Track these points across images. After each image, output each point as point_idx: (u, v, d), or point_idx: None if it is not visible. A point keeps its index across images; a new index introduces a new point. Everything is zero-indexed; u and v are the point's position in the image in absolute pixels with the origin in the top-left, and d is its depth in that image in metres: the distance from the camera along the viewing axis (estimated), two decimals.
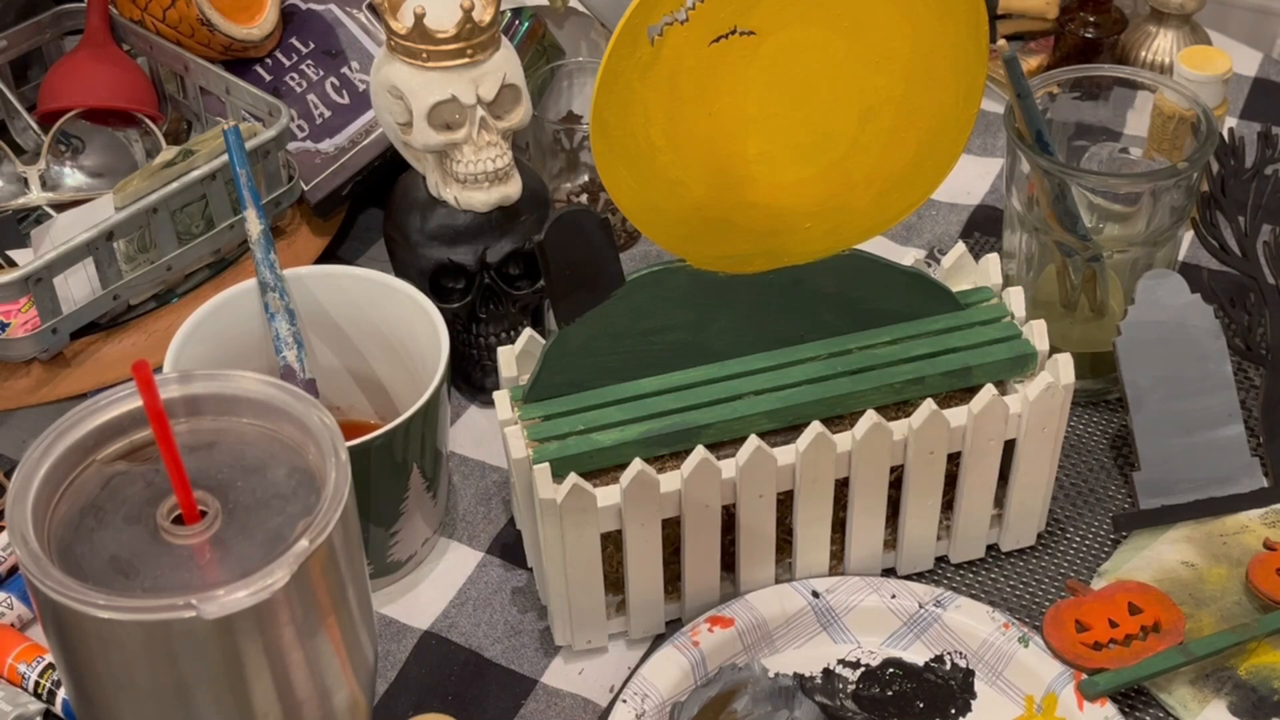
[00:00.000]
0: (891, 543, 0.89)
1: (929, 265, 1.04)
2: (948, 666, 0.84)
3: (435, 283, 0.95)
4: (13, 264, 1.03)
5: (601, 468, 0.81)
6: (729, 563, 0.86)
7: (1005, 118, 0.93)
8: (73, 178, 1.10)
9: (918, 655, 0.84)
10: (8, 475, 0.93)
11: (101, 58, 1.09)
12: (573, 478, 0.77)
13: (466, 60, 0.89)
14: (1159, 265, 0.95)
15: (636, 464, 0.78)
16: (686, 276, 0.82)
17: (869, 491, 0.84)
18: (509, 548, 0.92)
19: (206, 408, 0.64)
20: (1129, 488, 0.94)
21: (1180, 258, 1.03)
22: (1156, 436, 0.92)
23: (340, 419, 0.86)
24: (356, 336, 0.92)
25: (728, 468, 0.80)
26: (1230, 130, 1.00)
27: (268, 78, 1.10)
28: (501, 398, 0.83)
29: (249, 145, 0.97)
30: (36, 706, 0.82)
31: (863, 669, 0.84)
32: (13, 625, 0.87)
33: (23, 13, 1.15)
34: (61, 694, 0.82)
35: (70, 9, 1.15)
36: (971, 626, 0.84)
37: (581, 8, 1.16)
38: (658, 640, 0.86)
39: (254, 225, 0.89)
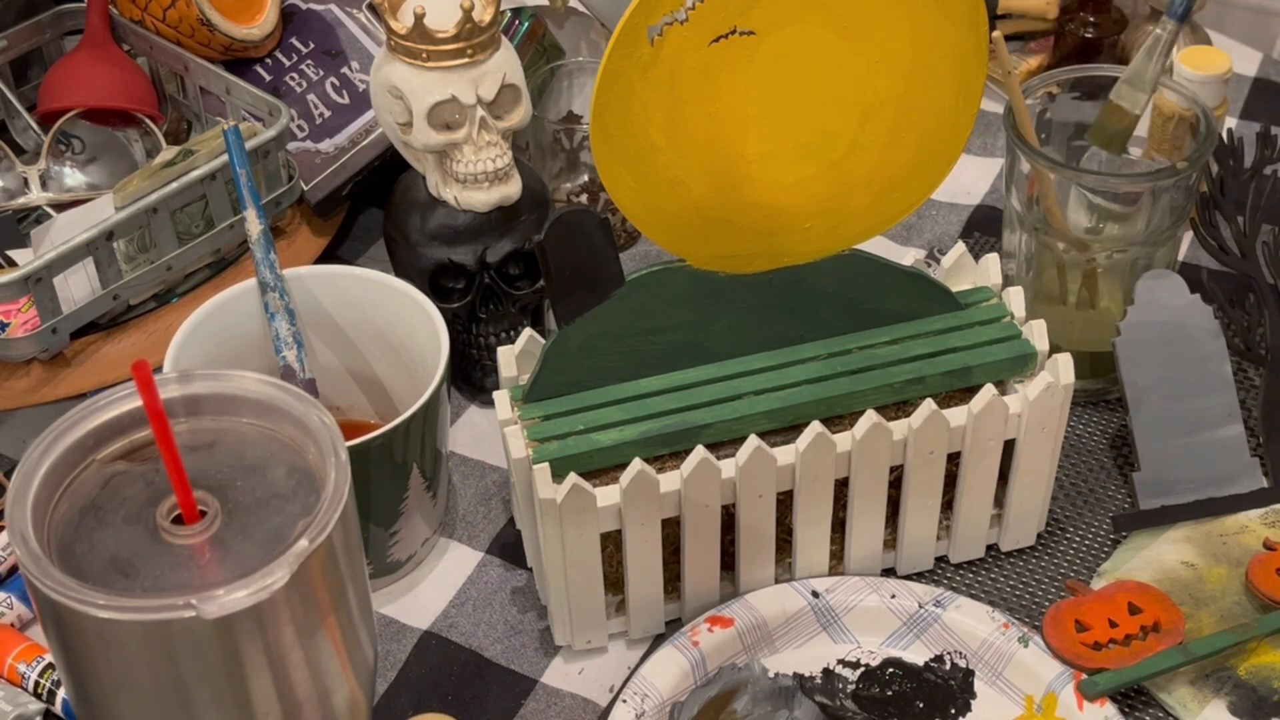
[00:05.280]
0: (891, 543, 0.89)
1: (929, 265, 1.04)
2: (948, 666, 0.84)
3: (435, 283, 0.95)
4: (13, 264, 1.03)
5: (601, 468, 0.81)
6: (729, 563, 0.86)
7: (1005, 118, 0.93)
8: (73, 178, 1.10)
9: (917, 655, 0.84)
10: (8, 475, 0.93)
11: (101, 58, 1.09)
12: (572, 478, 0.77)
13: (466, 60, 0.89)
14: (1159, 265, 0.95)
15: (636, 464, 0.78)
16: (686, 276, 0.82)
17: (869, 491, 0.84)
18: (509, 548, 0.92)
19: (206, 408, 0.64)
20: (1129, 488, 0.94)
21: (1180, 258, 1.03)
22: (1156, 436, 0.92)
23: (340, 419, 0.86)
24: (356, 336, 0.92)
25: (728, 468, 0.80)
26: (1230, 130, 1.00)
27: (268, 78, 1.10)
28: (501, 398, 0.83)
29: (249, 145, 0.97)
30: (36, 706, 0.82)
31: (863, 669, 0.84)
32: (13, 625, 0.87)
33: (23, 13, 1.15)
34: (61, 694, 0.82)
35: (70, 9, 1.15)
36: (971, 626, 0.84)
37: (581, 8, 1.16)
38: (658, 640, 0.87)
39: (254, 225, 0.89)
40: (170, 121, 1.14)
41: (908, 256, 0.88)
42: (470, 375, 1.00)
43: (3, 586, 0.88)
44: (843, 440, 0.82)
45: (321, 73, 1.10)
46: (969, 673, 0.84)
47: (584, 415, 0.82)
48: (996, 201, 1.16)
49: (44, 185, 1.08)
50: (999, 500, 0.89)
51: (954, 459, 0.85)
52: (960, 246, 0.90)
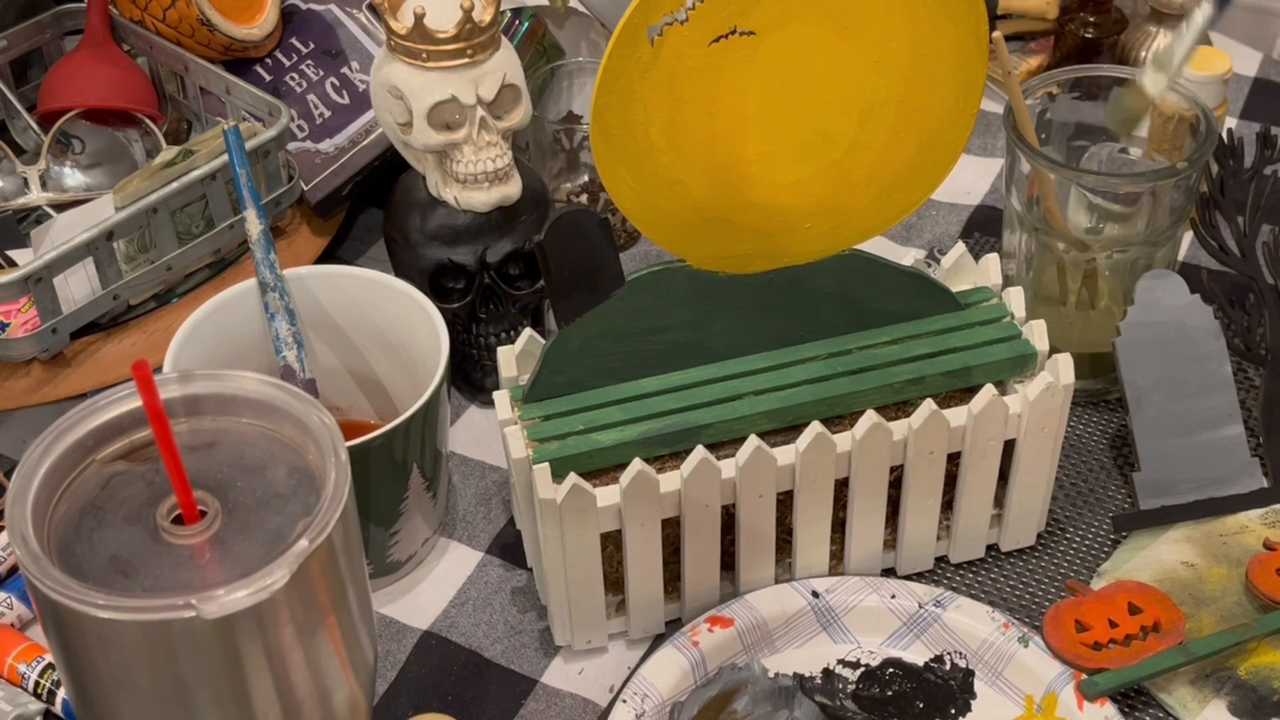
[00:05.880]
0: (891, 543, 0.89)
1: (929, 265, 1.04)
2: (948, 666, 0.84)
3: (435, 283, 0.95)
4: (13, 264, 1.03)
5: (601, 468, 0.81)
6: (729, 563, 0.86)
7: (1005, 118, 0.93)
8: (73, 178, 1.10)
9: (918, 655, 0.84)
10: (8, 475, 0.93)
11: (101, 58, 1.09)
12: (573, 478, 0.77)
13: (466, 60, 0.89)
14: (1158, 265, 0.95)
15: (636, 464, 0.78)
16: (686, 276, 0.82)
17: (869, 491, 0.84)
18: (509, 548, 0.92)
19: (206, 408, 0.64)
20: (1129, 488, 0.94)
21: (1180, 258, 1.03)
22: (1156, 436, 0.92)
23: (340, 419, 0.86)
24: (356, 336, 0.92)
25: (728, 468, 0.80)
26: (1230, 130, 1.00)
27: (268, 78, 1.10)
28: (501, 398, 0.83)
29: (249, 145, 0.97)
30: (36, 706, 0.82)
31: (863, 669, 0.84)
32: (13, 625, 0.87)
33: (23, 13, 1.15)
34: (61, 694, 0.82)
35: (70, 9, 1.15)
36: (971, 626, 0.84)
37: (581, 8, 1.16)
38: (658, 640, 0.87)
39: (254, 225, 0.89)
40: (170, 121, 1.14)
41: (908, 256, 0.88)
42: (470, 375, 1.00)
43: (3, 586, 0.88)
44: (843, 440, 0.82)
45: (321, 73, 1.10)
46: (969, 673, 0.84)
47: (584, 415, 0.82)
48: (996, 201, 1.16)
49: (44, 185, 1.08)
50: (999, 500, 0.89)
51: (954, 459, 0.85)
52: (960, 246, 0.90)
